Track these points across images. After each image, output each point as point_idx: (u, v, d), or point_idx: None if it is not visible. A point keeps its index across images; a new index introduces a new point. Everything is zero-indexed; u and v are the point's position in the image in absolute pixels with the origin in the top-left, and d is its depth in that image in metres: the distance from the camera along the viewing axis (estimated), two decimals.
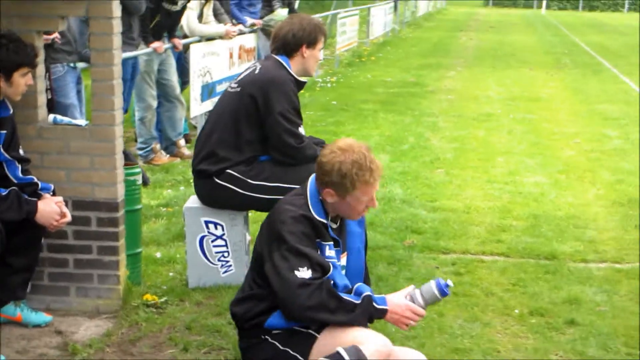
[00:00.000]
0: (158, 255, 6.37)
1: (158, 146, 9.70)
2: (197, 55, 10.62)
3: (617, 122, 13.03)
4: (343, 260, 4.30)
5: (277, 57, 5.68)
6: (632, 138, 11.58)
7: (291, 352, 4.16)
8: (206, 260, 5.80)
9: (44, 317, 5.25)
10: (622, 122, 12.94)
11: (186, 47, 10.54)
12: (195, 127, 11.34)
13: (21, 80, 4.81)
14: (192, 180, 8.30)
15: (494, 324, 5.30)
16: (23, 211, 4.77)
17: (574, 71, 20.35)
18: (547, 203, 8.15)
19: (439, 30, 34.68)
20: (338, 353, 3.92)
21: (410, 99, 14.82)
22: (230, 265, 5.81)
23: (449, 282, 4.04)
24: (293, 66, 5.66)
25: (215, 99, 11.04)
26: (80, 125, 5.39)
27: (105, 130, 5.27)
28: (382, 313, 4.02)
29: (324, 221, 4.13)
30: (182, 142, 10.06)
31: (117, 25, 5.26)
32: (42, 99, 5.37)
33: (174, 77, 10.03)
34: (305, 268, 3.96)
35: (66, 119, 5.55)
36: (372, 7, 26.69)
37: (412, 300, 4.05)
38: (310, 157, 5.48)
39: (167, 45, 9.73)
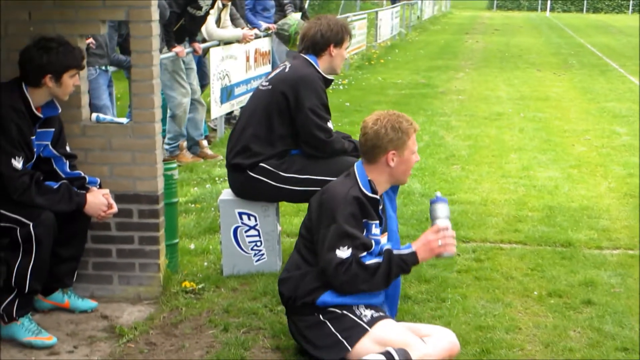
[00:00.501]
0: (192, 246, 6.69)
1: (185, 144, 10.03)
2: (216, 59, 10.97)
3: (626, 119, 13.33)
4: (384, 239, 4.64)
5: (306, 57, 6.00)
6: None
7: (339, 336, 4.50)
8: (240, 250, 6.11)
9: (90, 303, 5.57)
10: (631, 120, 13.24)
11: (205, 51, 10.87)
12: (214, 130, 11.66)
13: (69, 81, 5.12)
14: (216, 178, 8.70)
15: (514, 304, 5.60)
16: (73, 203, 5.10)
17: (581, 71, 20.64)
18: (561, 195, 8.45)
19: (445, 33, 35.00)
20: (389, 352, 4.27)
21: (422, 100, 15.13)
22: (263, 254, 6.12)
23: (437, 193, 4.60)
24: (321, 64, 5.98)
25: (234, 101, 11.42)
26: (122, 123, 5.72)
27: (146, 127, 5.59)
28: (411, 255, 4.44)
29: (377, 197, 4.49)
30: (204, 142, 10.38)
31: (156, 28, 5.58)
32: (85, 99, 5.69)
33: (194, 81, 10.34)
34: (346, 247, 4.32)
35: (108, 117, 5.88)
36: (380, 10, 27.03)
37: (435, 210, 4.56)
38: (338, 150, 5.84)
39: (187, 49, 10.04)
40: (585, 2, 62.77)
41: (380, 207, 4.63)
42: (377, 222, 4.56)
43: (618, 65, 22.22)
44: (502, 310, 5.48)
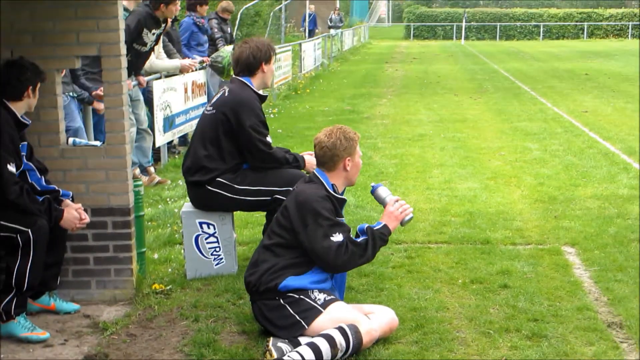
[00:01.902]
0: (156, 256, 7.48)
1: (137, 171, 10.78)
2: (159, 90, 11.77)
3: (537, 136, 14.44)
4: None
5: (241, 79, 6.86)
6: (550, 149, 12.99)
7: (297, 317, 5.36)
8: (201, 255, 6.91)
9: (73, 305, 6.32)
10: (541, 137, 14.35)
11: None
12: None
13: (37, 92, 5.95)
14: (167, 199, 9.49)
15: (442, 290, 6.52)
16: (52, 217, 5.86)
17: (495, 95, 21.85)
18: (479, 203, 9.43)
19: (366, 63, 36.18)
20: (341, 327, 5.16)
21: (349, 125, 15.70)
22: (222, 258, 6.93)
23: (372, 184, 5.83)
24: (255, 82, 6.84)
25: (176, 130, 12.22)
26: (96, 145, 6.51)
27: (118, 149, 6.39)
28: (384, 228, 5.50)
29: (344, 197, 5.57)
30: (152, 169, 11.14)
31: (124, 61, 6.39)
32: (62, 126, 6.46)
33: (142, 112, 11.08)
34: (337, 233, 5.35)
35: (84, 141, 6.69)
36: (303, 42, 28.06)
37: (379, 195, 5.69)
38: (280, 159, 6.75)
39: (133, 82, 10.81)
40: (498, 30, 64.83)
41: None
42: (343, 218, 5.51)
43: (529, 88, 23.51)
44: (432, 295, 6.39)
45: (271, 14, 34.25)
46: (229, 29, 15.91)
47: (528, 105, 19.41)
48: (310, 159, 6.87)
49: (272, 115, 17.68)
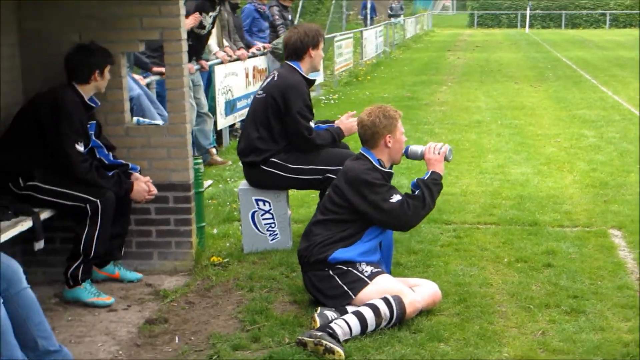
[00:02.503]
0: (215, 231, 7.84)
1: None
2: (220, 75, 12.13)
3: (594, 124, 14.54)
4: None
5: (290, 63, 7.18)
6: (606, 136, 13.11)
7: (345, 287, 5.66)
8: (257, 231, 7.24)
9: (136, 274, 6.71)
10: (599, 124, 14.45)
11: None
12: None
13: (107, 74, 6.31)
14: (228, 179, 9.85)
15: (487, 268, 6.76)
16: (123, 189, 6.25)
17: (556, 83, 21.90)
18: (531, 187, 9.63)
19: (428, 51, 36.30)
20: (386, 298, 5.44)
21: (407, 111, 16.29)
22: (277, 234, 7.25)
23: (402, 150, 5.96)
24: (303, 67, 7.15)
25: (237, 114, 12.57)
26: (159, 124, 6.87)
27: (179, 128, 6.74)
28: (433, 173, 5.85)
29: (391, 171, 5.88)
30: (213, 150, 11.53)
31: (185, 45, 6.73)
32: (127, 106, 6.83)
33: (202, 96, 11.46)
34: (394, 194, 5.70)
35: (147, 120, 7.05)
36: (364, 30, 28.30)
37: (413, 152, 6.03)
38: (319, 145, 7.03)
39: (196, 66, 11.17)
40: (563, 18, 64.28)
41: None
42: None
43: (591, 76, 23.51)
44: (477, 272, 6.64)
45: (333, 1, 34.50)
46: (289, 16, 16.20)
47: (588, 93, 19.45)
48: (344, 123, 7.17)
49: (332, 101, 17.99)
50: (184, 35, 6.72)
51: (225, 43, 12.74)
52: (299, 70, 7.12)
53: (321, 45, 7.27)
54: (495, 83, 21.96)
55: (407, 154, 6.04)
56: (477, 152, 11.84)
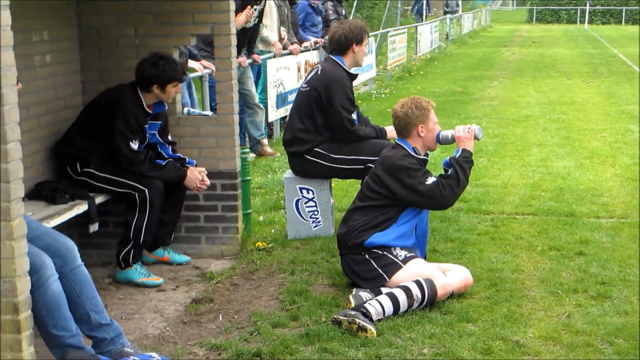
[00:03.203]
0: (261, 218, 8.20)
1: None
2: (272, 69, 12.48)
3: None
4: None
5: (333, 57, 7.48)
6: None
7: (380, 270, 5.97)
8: (301, 218, 7.57)
9: (184, 257, 7.08)
10: None
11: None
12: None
13: (172, 90, 6.59)
14: (276, 169, 10.19)
15: (521, 255, 7.02)
16: (177, 175, 6.62)
17: (609, 79, 21.93)
18: (571, 180, 9.83)
19: (483, 46, 36.34)
20: (418, 280, 5.74)
21: (456, 105, 16.56)
22: (320, 221, 7.57)
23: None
24: (346, 61, 7.45)
25: (288, 107, 12.91)
26: (208, 115, 7.24)
27: (227, 118, 7.09)
28: (464, 151, 6.16)
29: (426, 158, 6.19)
30: (265, 141, 11.89)
31: (234, 39, 7.07)
32: (178, 97, 7.18)
33: (252, 88, 11.79)
34: (429, 176, 6.02)
35: (197, 111, 7.42)
36: (419, 25, 28.50)
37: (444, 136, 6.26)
38: (362, 137, 7.32)
39: (248, 60, 11.52)
40: (624, 14, 63.62)
41: None
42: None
43: None
44: (510, 259, 6.90)
45: None
46: (343, 11, 16.50)
47: None
48: (391, 129, 7.43)
49: (383, 95, 18.26)
50: (233, 30, 7.06)
51: (284, 35, 13.06)
52: (342, 64, 7.42)
53: (365, 42, 7.55)
54: (547, 78, 22.05)
55: (439, 140, 6.31)
56: (521, 146, 12.04)
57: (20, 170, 4.21)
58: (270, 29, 12.39)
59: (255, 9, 11.17)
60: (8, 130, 4.09)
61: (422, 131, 6.09)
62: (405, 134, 6.14)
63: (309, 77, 7.58)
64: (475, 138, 6.26)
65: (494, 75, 23.11)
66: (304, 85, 7.57)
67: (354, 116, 7.41)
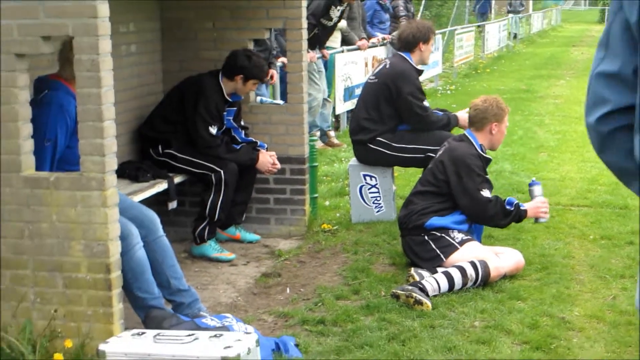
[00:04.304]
0: (327, 203, 8.67)
1: (318, 134, 12.04)
2: (340, 63, 12.94)
3: None
4: None
5: (401, 54, 7.91)
6: None
7: (438, 251, 6.39)
8: (364, 203, 8.01)
9: (254, 236, 7.57)
10: None
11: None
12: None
13: (251, 86, 7.13)
14: (342, 159, 10.64)
15: (573, 243, 7.38)
16: (249, 158, 7.11)
17: None
18: None
19: (552, 45, 36.34)
20: (472, 261, 6.15)
21: (521, 103, 16.84)
22: (382, 206, 8.01)
23: (533, 179, 6.71)
24: (413, 58, 7.87)
25: (355, 100, 13.34)
26: (279, 104, 7.72)
27: (296, 107, 7.57)
28: (524, 212, 6.44)
29: (490, 157, 6.56)
30: (332, 132, 12.36)
31: (305, 33, 7.54)
32: None
33: (323, 82, 12.28)
34: (486, 190, 6.38)
35: (269, 100, 7.92)
36: (487, 24, 28.73)
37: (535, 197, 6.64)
38: (435, 122, 7.73)
39: (318, 54, 11.99)
40: None
41: None
42: (487, 176, 6.56)
43: None
44: (562, 246, 7.26)
45: None
46: (412, 8, 16.90)
47: None
48: (462, 115, 7.82)
49: (448, 92, 18.62)
50: (305, 25, 7.53)
51: (348, 31, 13.49)
52: (409, 60, 7.84)
53: (431, 42, 7.98)
54: None
55: (531, 185, 6.76)
56: (582, 142, 12.31)
57: (114, 145, 4.73)
58: (353, 29, 12.92)
59: (339, 9, 11.64)
60: (105, 109, 4.60)
61: (494, 129, 6.51)
62: (478, 127, 6.54)
63: (377, 70, 8.02)
64: (535, 219, 6.68)
65: (561, 74, 23.28)
66: (371, 78, 8.01)
67: (426, 103, 7.82)
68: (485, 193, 6.40)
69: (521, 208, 6.49)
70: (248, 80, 7.02)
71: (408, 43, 7.87)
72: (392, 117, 7.81)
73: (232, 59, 7.02)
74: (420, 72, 7.96)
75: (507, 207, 6.44)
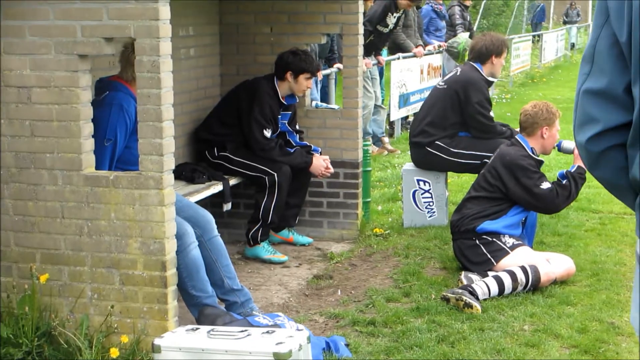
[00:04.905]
0: (379, 208, 8.74)
1: (370, 140, 12.11)
2: (396, 70, 13.01)
3: None
4: None
5: (473, 64, 7.95)
6: None
7: (489, 255, 6.44)
8: (417, 208, 8.07)
9: (307, 239, 7.67)
10: None
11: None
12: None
13: (304, 82, 7.19)
14: (396, 165, 10.71)
15: (625, 250, 7.36)
16: (303, 161, 7.21)
17: None
18: None
19: None
20: (523, 266, 6.19)
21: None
22: (434, 211, 8.06)
23: (556, 143, 6.81)
24: (485, 70, 7.91)
25: (410, 107, 13.42)
26: (334, 109, 7.82)
27: (351, 112, 7.66)
28: (579, 168, 6.61)
29: (541, 159, 6.62)
30: (386, 138, 12.43)
31: (361, 39, 7.63)
32: (307, 92, 7.75)
33: (377, 89, 12.37)
34: (544, 181, 6.50)
35: (324, 104, 8.02)
36: (545, 33, 28.59)
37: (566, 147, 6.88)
38: (498, 132, 7.79)
39: (373, 61, 12.08)
40: None
41: None
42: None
43: None
44: (614, 253, 7.26)
45: (516, 4, 34.83)
46: (468, 17, 16.90)
47: None
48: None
49: (504, 100, 18.59)
50: (361, 31, 7.62)
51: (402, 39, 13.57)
52: (480, 71, 7.89)
53: (504, 55, 8.02)
54: None
55: (560, 148, 6.83)
56: None
57: (172, 146, 4.85)
58: (409, 37, 13.01)
59: (395, 16, 11.72)
60: (164, 110, 4.73)
61: (545, 133, 6.56)
62: (529, 132, 6.60)
63: (449, 77, 8.12)
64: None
65: None
66: (440, 84, 8.11)
67: (492, 114, 7.88)
68: (545, 185, 6.50)
69: (574, 170, 6.63)
70: (298, 75, 7.10)
71: (481, 54, 7.92)
72: (455, 124, 7.88)
73: (279, 59, 7.15)
74: (490, 83, 8.04)
75: (564, 182, 6.58)
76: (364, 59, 11.67)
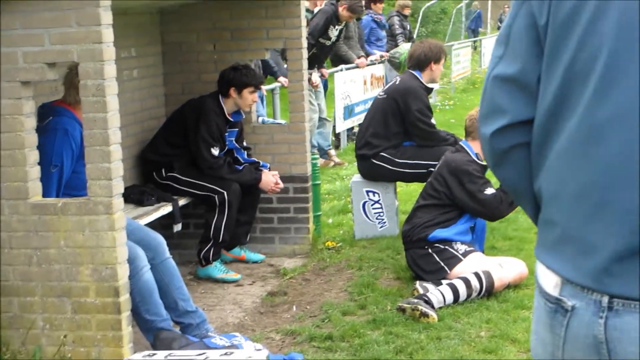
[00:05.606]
0: (330, 221, 8.73)
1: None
2: (340, 82, 13.03)
3: None
4: None
5: (412, 72, 7.99)
6: None
7: (442, 263, 6.46)
8: (367, 219, 8.07)
9: (259, 256, 7.62)
10: None
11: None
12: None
13: (249, 96, 7.14)
14: (344, 177, 10.71)
15: None
16: (253, 177, 7.17)
17: None
18: None
19: None
20: (476, 272, 6.22)
21: None
22: (385, 222, 8.07)
23: None
24: (424, 77, 7.95)
25: (355, 118, 13.44)
26: (281, 123, 7.80)
27: (298, 126, 7.64)
28: None
29: (486, 165, 6.53)
30: (332, 151, 12.44)
31: (305, 53, 7.62)
32: (254, 108, 7.76)
33: (322, 101, 12.36)
34: (489, 187, 6.48)
35: (270, 120, 7.99)
36: (484, 38, 28.88)
37: None
38: (441, 138, 7.81)
39: (316, 74, 12.07)
40: None
41: None
42: None
43: None
44: None
45: (453, 11, 35.12)
46: (408, 26, 16.98)
47: None
48: None
49: (447, 107, 18.71)
50: (304, 44, 7.61)
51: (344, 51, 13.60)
52: (420, 78, 7.93)
53: (442, 62, 8.07)
54: None
55: None
56: None
57: (121, 169, 4.80)
58: (351, 48, 13.06)
59: (337, 29, 11.75)
60: (111, 133, 4.68)
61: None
62: (474, 136, 6.63)
63: (388, 86, 8.15)
64: None
65: None
66: (381, 94, 8.13)
67: (433, 121, 7.91)
68: (489, 191, 6.50)
69: None
70: (242, 90, 7.06)
71: (420, 62, 7.95)
72: (398, 134, 7.89)
73: (221, 76, 7.11)
74: (429, 90, 8.06)
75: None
76: (317, 72, 11.77)
